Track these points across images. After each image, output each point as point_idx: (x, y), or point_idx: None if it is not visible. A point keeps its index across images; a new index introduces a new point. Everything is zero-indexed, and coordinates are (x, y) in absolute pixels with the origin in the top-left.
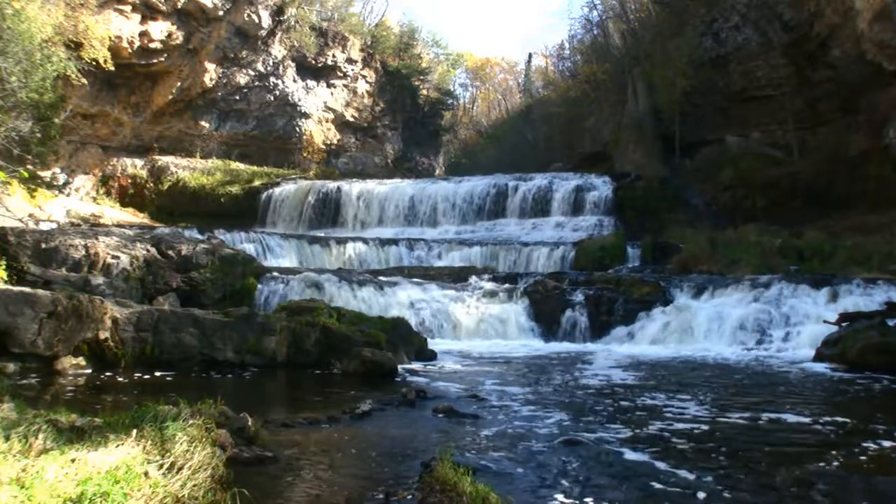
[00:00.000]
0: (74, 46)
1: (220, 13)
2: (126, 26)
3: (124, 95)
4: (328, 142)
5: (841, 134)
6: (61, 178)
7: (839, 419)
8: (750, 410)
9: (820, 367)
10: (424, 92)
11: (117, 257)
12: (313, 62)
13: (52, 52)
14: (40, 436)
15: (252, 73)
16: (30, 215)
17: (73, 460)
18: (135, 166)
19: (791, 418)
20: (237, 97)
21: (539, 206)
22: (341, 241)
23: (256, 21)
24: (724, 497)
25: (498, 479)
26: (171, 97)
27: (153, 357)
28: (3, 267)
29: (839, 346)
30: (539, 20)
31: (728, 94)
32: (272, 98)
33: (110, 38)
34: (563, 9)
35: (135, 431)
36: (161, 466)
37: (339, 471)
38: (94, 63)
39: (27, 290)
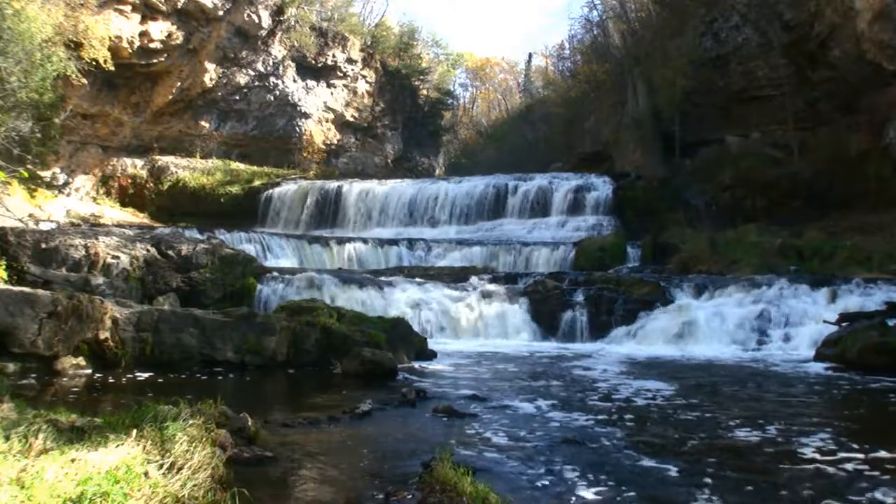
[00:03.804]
0: (74, 46)
1: (220, 13)
2: (126, 26)
3: (124, 95)
4: (328, 142)
5: (841, 134)
6: (61, 178)
7: (838, 419)
8: (748, 409)
9: (819, 367)
10: (424, 92)
11: (117, 257)
12: (313, 62)
13: (52, 52)
14: (40, 436)
15: (252, 73)
16: (30, 215)
17: (73, 460)
18: (135, 166)
19: (789, 418)
20: (237, 97)
21: (539, 206)
22: (341, 241)
23: (256, 21)
24: (723, 497)
25: (498, 479)
26: (171, 97)
27: (153, 357)
28: (3, 267)
29: (839, 346)
30: (539, 20)
31: (728, 94)
32: (272, 98)
33: (110, 38)
34: (563, 9)
35: (135, 431)
36: (161, 466)
37: (339, 471)
38: (94, 63)
39: (27, 290)
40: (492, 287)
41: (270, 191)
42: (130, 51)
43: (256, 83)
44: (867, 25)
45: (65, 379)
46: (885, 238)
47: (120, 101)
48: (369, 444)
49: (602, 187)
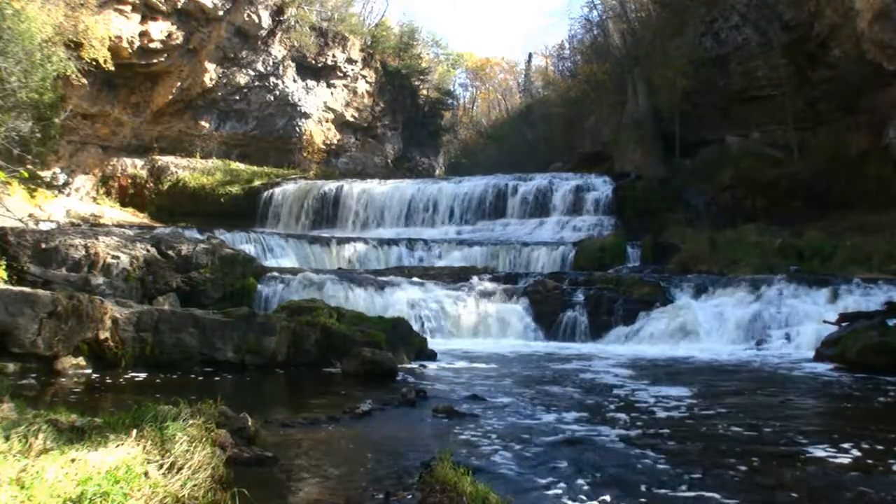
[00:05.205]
0: (74, 46)
1: (220, 13)
2: (126, 26)
3: (124, 95)
4: (328, 142)
5: (841, 134)
6: (61, 178)
7: (837, 419)
8: (748, 409)
9: (820, 368)
10: (424, 92)
11: (117, 257)
12: (313, 62)
13: (52, 52)
14: (40, 436)
15: (252, 73)
16: (30, 215)
17: (73, 460)
18: (135, 166)
19: (789, 418)
20: (237, 97)
21: (539, 206)
22: (341, 241)
23: (256, 21)
24: (723, 497)
25: (498, 479)
26: (171, 97)
27: (153, 357)
28: (3, 267)
29: (839, 346)
30: (539, 20)
31: (728, 94)
32: (272, 98)
33: (110, 38)
34: (563, 9)
35: (135, 431)
36: (161, 466)
37: (339, 471)
38: (94, 63)
39: (27, 290)
40: (492, 287)
41: (270, 191)
42: (130, 51)
43: (256, 83)
44: (867, 25)
45: (65, 379)
46: (885, 238)
47: (120, 101)
48: (369, 444)
49: (602, 187)
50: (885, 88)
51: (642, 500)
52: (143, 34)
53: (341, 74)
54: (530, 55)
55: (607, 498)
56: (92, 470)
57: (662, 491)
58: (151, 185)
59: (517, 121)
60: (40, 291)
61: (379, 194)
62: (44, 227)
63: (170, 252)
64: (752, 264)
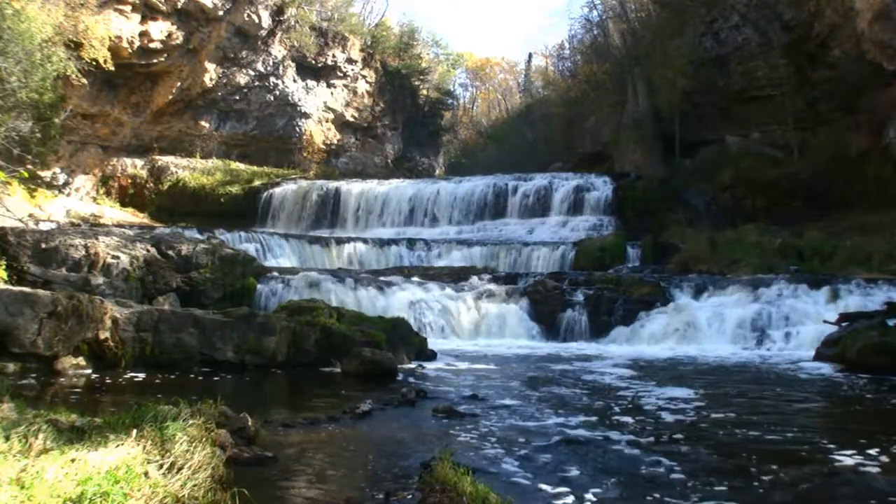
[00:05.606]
0: (74, 46)
1: (220, 13)
2: (126, 26)
3: (124, 95)
4: (328, 142)
5: (841, 134)
6: (61, 178)
7: (837, 419)
8: (748, 409)
9: (819, 368)
10: (424, 92)
11: (117, 257)
12: (313, 62)
13: (52, 52)
14: (40, 436)
15: (252, 73)
16: (30, 215)
17: (73, 460)
18: (135, 166)
19: (789, 418)
20: (237, 97)
21: (539, 206)
22: (341, 241)
23: (256, 21)
24: (724, 497)
25: (498, 479)
26: (171, 97)
27: (153, 357)
28: (3, 267)
29: (839, 346)
30: (539, 20)
31: (728, 94)
32: (272, 98)
33: (110, 38)
34: (563, 9)
35: (135, 431)
36: (161, 466)
37: (339, 471)
38: (94, 63)
39: (27, 290)
40: (492, 287)
41: (270, 191)
42: (130, 51)
43: (256, 83)
44: (867, 25)
45: (65, 379)
46: (885, 238)
47: (120, 101)
48: (369, 444)
49: (602, 187)
50: (885, 88)
51: (643, 498)
52: (143, 34)
53: (341, 74)
54: (530, 55)
55: (606, 498)
56: (92, 470)
57: (660, 490)
58: (151, 185)
59: (517, 121)
60: (40, 291)
61: (379, 194)
62: (44, 227)
63: (170, 252)
64: (752, 264)
